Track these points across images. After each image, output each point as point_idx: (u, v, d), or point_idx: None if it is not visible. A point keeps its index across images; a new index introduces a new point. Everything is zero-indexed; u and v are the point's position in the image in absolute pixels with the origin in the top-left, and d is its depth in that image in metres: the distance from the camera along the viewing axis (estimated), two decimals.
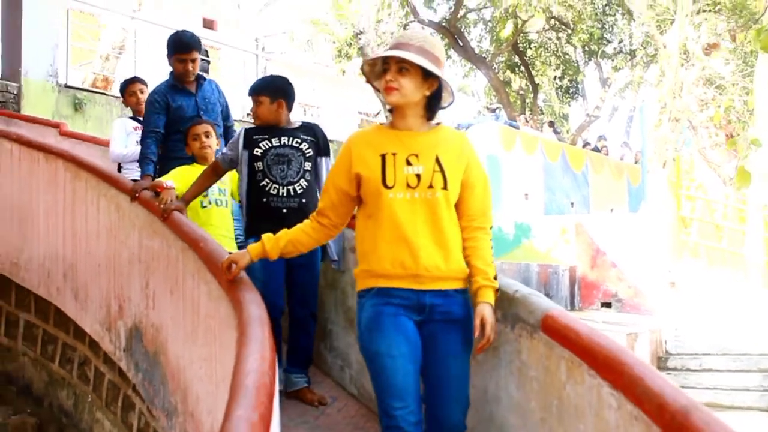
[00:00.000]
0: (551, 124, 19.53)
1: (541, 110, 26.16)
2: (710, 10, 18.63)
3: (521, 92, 24.34)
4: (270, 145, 4.53)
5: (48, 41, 9.64)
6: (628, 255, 12.52)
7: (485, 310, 3.13)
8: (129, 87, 6.95)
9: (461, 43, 20.80)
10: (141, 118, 6.43)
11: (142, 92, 6.83)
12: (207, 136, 5.32)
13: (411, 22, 21.40)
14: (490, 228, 3.34)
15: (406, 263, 3.11)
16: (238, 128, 5.18)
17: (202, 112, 5.62)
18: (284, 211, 4.45)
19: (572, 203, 16.00)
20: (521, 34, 20.69)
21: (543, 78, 23.34)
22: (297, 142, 4.57)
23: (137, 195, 5.03)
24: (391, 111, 3.30)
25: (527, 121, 17.94)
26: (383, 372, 3.09)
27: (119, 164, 6.81)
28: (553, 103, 27.56)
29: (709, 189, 16.69)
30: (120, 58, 16.06)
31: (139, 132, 6.21)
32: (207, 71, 15.56)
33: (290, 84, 4.90)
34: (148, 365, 4.97)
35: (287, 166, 4.53)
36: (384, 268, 3.14)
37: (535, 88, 22.68)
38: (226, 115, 5.90)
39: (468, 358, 3.21)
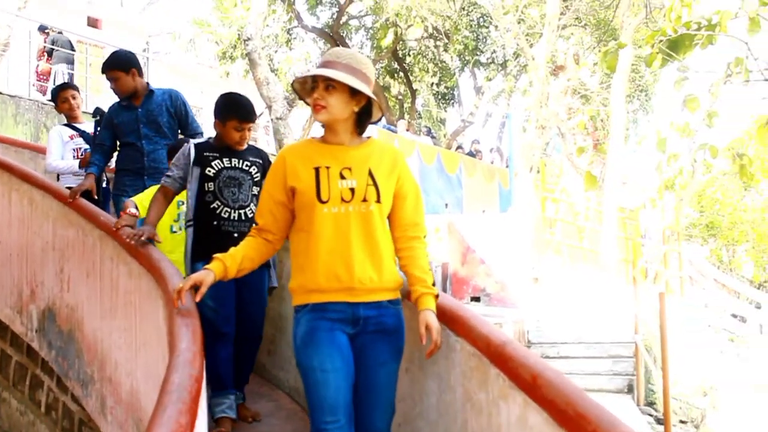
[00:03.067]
0: (428, 130, 20.51)
1: (419, 115, 27.18)
2: (576, 25, 19.93)
3: (400, 97, 25.26)
4: (222, 165, 4.40)
5: None
6: (496, 253, 13.17)
7: (429, 317, 3.19)
8: (60, 93, 6.82)
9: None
10: (76, 125, 6.70)
11: (74, 98, 6.77)
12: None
13: (294, 27, 22.06)
14: (424, 237, 3.41)
15: (341, 277, 3.14)
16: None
17: (141, 125, 5.73)
18: (235, 235, 4.25)
19: (446, 204, 16.69)
20: (400, 42, 21.55)
21: (421, 84, 24.18)
22: (247, 165, 4.47)
23: (72, 200, 5.29)
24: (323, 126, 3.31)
25: (408, 126, 18.80)
26: (316, 387, 3.13)
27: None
28: (431, 108, 28.61)
29: (573, 193, 17.91)
30: (4, 55, 16.10)
31: (77, 140, 6.56)
32: (72, 63, 15.66)
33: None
34: (62, 342, 5.51)
35: (238, 189, 4.42)
36: (318, 282, 3.16)
37: (413, 93, 23.60)
38: (184, 125, 5.89)
39: (396, 368, 3.28)
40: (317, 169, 3.19)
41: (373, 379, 3.21)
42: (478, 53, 21.45)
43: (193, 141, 4.60)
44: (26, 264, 6.05)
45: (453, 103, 25.65)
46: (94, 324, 5.04)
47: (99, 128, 5.99)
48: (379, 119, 3.45)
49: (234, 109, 4.52)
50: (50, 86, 14.02)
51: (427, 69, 22.91)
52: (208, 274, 3.26)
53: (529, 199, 14.64)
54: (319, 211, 3.15)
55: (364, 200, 3.17)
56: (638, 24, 14.92)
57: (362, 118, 3.26)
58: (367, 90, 3.17)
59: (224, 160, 4.42)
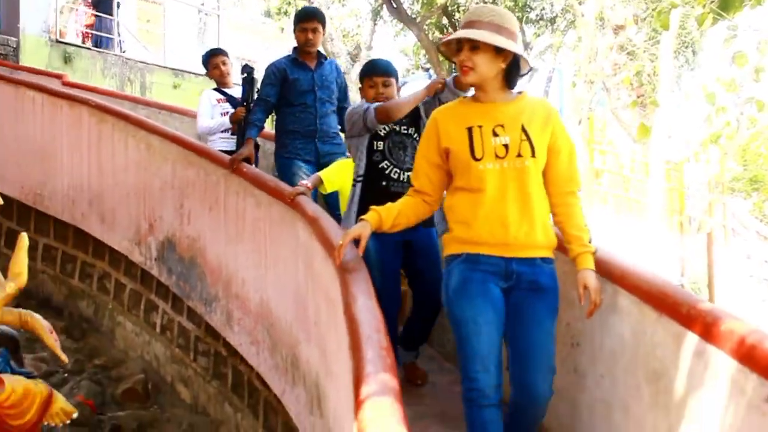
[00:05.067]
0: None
1: None
2: None
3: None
4: (390, 127, 4.38)
5: (45, 1, 10.76)
6: None
7: (587, 276, 3.12)
8: (211, 59, 6.83)
9: (395, 5, 22.03)
10: (226, 90, 6.72)
11: (224, 64, 6.78)
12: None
13: None
14: (579, 190, 3.32)
15: (496, 232, 3.13)
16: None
17: (317, 88, 5.69)
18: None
19: None
20: None
21: None
22: (412, 130, 4.44)
23: (235, 167, 5.43)
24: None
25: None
26: (468, 338, 3.11)
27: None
28: None
29: (618, 145, 18.42)
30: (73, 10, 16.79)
31: (224, 105, 6.58)
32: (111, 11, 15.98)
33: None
34: (183, 268, 6.32)
35: (404, 151, 4.40)
36: (473, 235, 3.16)
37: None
38: (342, 96, 5.94)
39: (552, 327, 3.18)
40: (470, 129, 3.18)
41: (529, 338, 3.14)
42: (528, 10, 21.91)
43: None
44: (144, 201, 6.84)
45: None
46: (218, 250, 5.83)
47: (247, 86, 6.01)
48: (528, 71, 3.30)
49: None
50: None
51: None
52: (365, 226, 3.30)
53: (579, 151, 15.16)
54: (475, 169, 3.14)
55: (519, 155, 3.13)
56: None
57: (511, 73, 3.20)
58: (513, 46, 3.13)
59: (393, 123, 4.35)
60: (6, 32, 10.12)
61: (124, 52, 13.69)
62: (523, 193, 3.13)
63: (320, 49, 5.92)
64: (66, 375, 6.99)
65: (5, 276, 4.04)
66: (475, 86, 3.24)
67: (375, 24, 24.91)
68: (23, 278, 3.98)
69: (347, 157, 5.08)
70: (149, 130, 6.79)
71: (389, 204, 3.40)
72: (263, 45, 26.25)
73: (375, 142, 4.36)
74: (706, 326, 2.49)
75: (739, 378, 2.33)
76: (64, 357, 4.25)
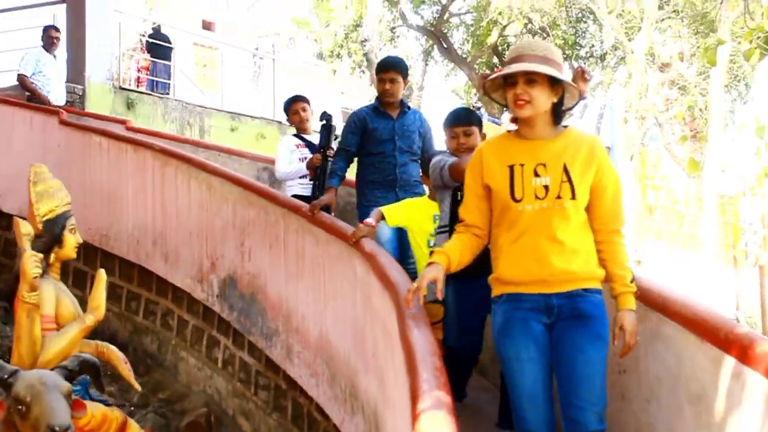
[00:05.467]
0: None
1: None
2: (674, 17, 20.38)
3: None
4: None
5: (106, 49, 11.23)
6: None
7: (625, 317, 3.13)
8: (292, 105, 6.91)
9: (445, 46, 22.37)
10: (304, 137, 6.79)
11: (304, 110, 6.84)
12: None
13: (398, 26, 23.03)
14: (623, 227, 3.31)
15: (533, 271, 3.14)
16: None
17: (397, 137, 5.64)
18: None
19: None
20: (500, 37, 22.30)
21: None
22: None
23: (313, 214, 5.37)
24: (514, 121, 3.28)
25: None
26: (513, 376, 3.15)
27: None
28: None
29: (672, 180, 18.42)
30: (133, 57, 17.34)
31: (302, 150, 6.63)
32: (169, 58, 16.43)
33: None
34: (243, 304, 6.57)
35: None
36: (512, 275, 3.18)
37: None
38: (428, 147, 5.84)
39: (597, 355, 3.13)
40: (512, 168, 3.18)
41: (570, 366, 3.11)
42: (578, 47, 22.10)
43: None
44: (206, 241, 7.12)
45: None
46: (278, 287, 6.06)
47: (325, 132, 6.15)
48: (574, 105, 3.29)
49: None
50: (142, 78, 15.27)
51: None
52: (439, 270, 3.26)
53: (631, 187, 15.24)
54: (514, 209, 3.16)
55: (558, 197, 3.12)
56: (736, 17, 15.43)
57: (559, 109, 3.22)
58: (568, 78, 3.18)
59: None
60: (73, 80, 10.58)
61: (167, 94, 14.15)
62: (561, 233, 3.12)
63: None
64: (132, 408, 7.23)
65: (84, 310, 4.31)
66: (522, 120, 3.22)
67: (426, 65, 25.30)
68: (101, 311, 4.24)
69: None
70: (211, 172, 7.08)
71: (449, 243, 3.40)
72: (316, 87, 26.78)
73: (459, 193, 4.12)
74: (742, 349, 2.65)
75: None
76: (137, 386, 4.49)
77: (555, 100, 3.16)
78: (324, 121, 6.26)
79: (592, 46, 22.64)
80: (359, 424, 4.67)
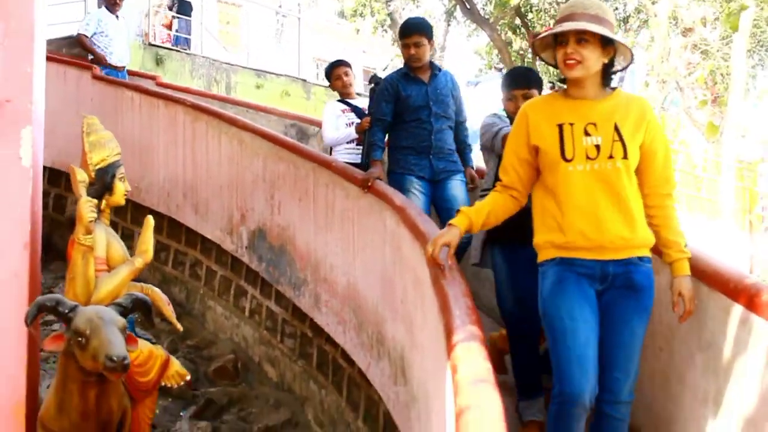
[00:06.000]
0: (552, 85, 21.35)
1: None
2: None
3: (521, 53, 26.03)
4: None
5: (136, 5, 11.43)
6: None
7: (683, 283, 3.12)
8: (333, 71, 6.83)
9: (468, 6, 22.36)
10: (349, 101, 6.71)
11: (346, 75, 6.76)
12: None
13: None
14: (673, 192, 3.26)
15: (590, 235, 3.06)
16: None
17: (431, 103, 5.50)
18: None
19: None
20: None
21: None
22: None
23: (369, 185, 5.18)
24: (563, 81, 3.22)
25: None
26: (564, 336, 3.05)
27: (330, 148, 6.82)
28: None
29: (691, 144, 18.54)
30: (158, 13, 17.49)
31: (348, 114, 6.58)
32: (190, 14, 16.09)
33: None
34: (272, 255, 6.81)
35: None
36: (567, 240, 3.11)
37: (535, 49, 24.36)
38: (458, 110, 5.72)
39: (640, 329, 3.14)
40: (561, 126, 3.12)
41: (615, 337, 3.09)
42: None
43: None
44: (236, 194, 7.35)
45: None
46: (307, 238, 6.29)
47: (374, 95, 5.88)
48: (627, 66, 3.28)
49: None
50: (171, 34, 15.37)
51: (549, 24, 23.60)
52: (454, 233, 3.25)
53: None
54: (564, 170, 3.09)
55: (611, 157, 3.06)
56: None
57: (608, 70, 3.17)
58: (623, 40, 3.11)
59: None
60: None
61: (187, 50, 14.26)
62: (615, 195, 3.06)
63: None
64: None
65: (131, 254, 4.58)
66: (571, 80, 3.15)
67: (448, 25, 25.31)
68: (149, 255, 4.48)
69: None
70: (241, 127, 7.29)
71: (478, 204, 3.37)
72: (339, 46, 26.87)
73: None
74: (750, 298, 2.86)
75: None
76: (179, 326, 4.75)
77: (606, 60, 3.11)
78: (373, 85, 6.11)
79: (616, 9, 22.59)
80: (385, 368, 4.92)
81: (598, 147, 3.07)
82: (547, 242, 3.19)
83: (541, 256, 3.24)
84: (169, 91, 9.12)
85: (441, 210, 5.49)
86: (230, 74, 13.12)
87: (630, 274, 3.11)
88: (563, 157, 3.09)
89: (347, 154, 6.48)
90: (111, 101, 9.03)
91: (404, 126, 5.53)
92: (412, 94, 5.49)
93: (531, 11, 23.50)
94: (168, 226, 8.62)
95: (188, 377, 4.56)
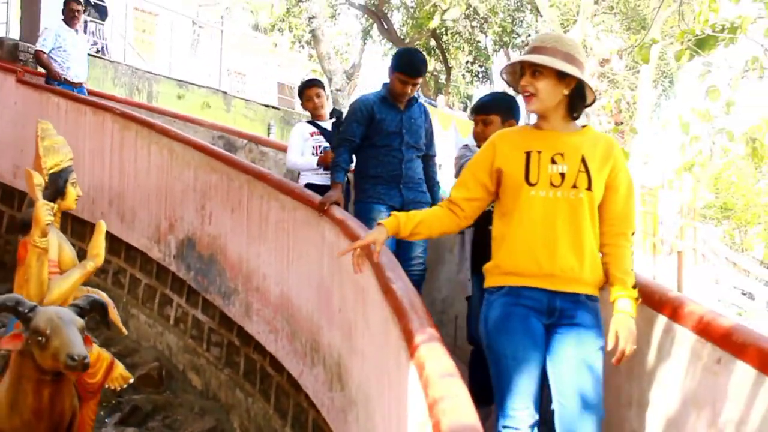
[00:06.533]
0: (465, 106, 21.94)
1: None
2: (608, 13, 21.17)
3: (435, 73, 26.58)
4: None
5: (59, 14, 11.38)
6: None
7: (621, 321, 3.07)
8: (305, 91, 6.69)
9: (386, 26, 22.77)
10: (319, 123, 6.54)
11: (318, 96, 6.60)
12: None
13: (340, 3, 23.36)
14: (632, 234, 3.24)
15: (542, 261, 3.05)
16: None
17: (404, 130, 5.36)
18: None
19: None
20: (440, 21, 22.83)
21: (454, 62, 25.49)
22: None
23: (325, 209, 5.05)
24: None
25: (449, 103, 20.24)
26: (506, 374, 3.03)
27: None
28: (459, 85, 29.92)
29: None
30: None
31: (317, 137, 6.41)
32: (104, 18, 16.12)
33: (517, 102, 4.57)
34: (202, 264, 6.91)
35: None
36: (517, 265, 3.10)
37: (449, 70, 24.91)
38: (429, 143, 5.62)
39: (597, 367, 3.09)
40: (528, 153, 3.13)
41: (568, 378, 3.06)
42: (515, 36, 22.79)
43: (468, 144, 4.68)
44: (165, 203, 7.42)
45: (486, 81, 26.90)
46: (239, 248, 6.42)
47: (335, 129, 5.97)
48: (592, 103, 3.23)
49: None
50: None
51: (463, 48, 24.18)
52: (381, 232, 3.24)
53: None
54: (526, 194, 3.10)
55: (574, 186, 3.06)
56: (667, 16, 16.21)
57: (575, 103, 3.17)
58: (574, 71, 3.06)
59: None
60: (27, 39, 10.67)
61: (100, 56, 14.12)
62: (573, 226, 3.07)
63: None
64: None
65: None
66: (537, 114, 3.20)
67: (364, 43, 25.69)
68: (100, 258, 4.57)
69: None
70: (173, 137, 7.39)
71: (412, 212, 3.36)
72: (256, 59, 26.96)
73: None
74: (673, 309, 3.16)
75: (697, 347, 3.00)
76: (124, 329, 4.84)
77: (566, 92, 3.11)
78: (334, 119, 6.29)
79: (529, 35, 23.34)
80: (319, 375, 5.09)
81: (563, 175, 3.07)
82: (495, 267, 3.19)
83: (488, 282, 3.23)
84: (95, 99, 9.14)
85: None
86: (152, 83, 13.12)
87: (577, 311, 3.09)
88: (527, 180, 3.10)
89: (314, 176, 6.29)
90: (35, 105, 8.98)
91: (374, 152, 5.37)
92: (386, 118, 5.34)
93: (446, 34, 24.03)
94: (90, 233, 8.57)
95: (131, 380, 4.66)
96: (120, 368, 4.59)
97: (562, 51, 3.08)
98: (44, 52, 9.41)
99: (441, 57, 24.64)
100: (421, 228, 3.29)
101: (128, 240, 7.93)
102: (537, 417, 3.02)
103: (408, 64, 5.26)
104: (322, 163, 6.12)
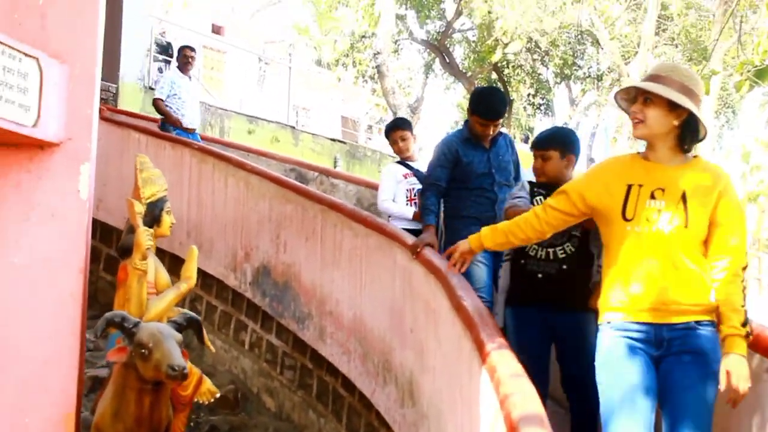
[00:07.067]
0: (526, 138, 22.16)
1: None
2: (668, 44, 21.30)
3: None
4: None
5: (140, 50, 11.96)
6: None
7: (730, 361, 2.95)
8: (390, 134, 6.50)
9: (447, 60, 23.15)
10: (410, 164, 6.33)
11: (403, 139, 6.35)
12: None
13: (403, 39, 23.83)
14: (743, 268, 3.12)
15: (641, 298, 3.04)
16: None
17: (494, 170, 5.23)
18: (539, 276, 4.05)
19: None
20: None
21: (515, 94, 25.79)
22: None
23: (419, 251, 4.85)
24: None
25: (511, 135, 20.48)
26: (613, 410, 3.04)
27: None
28: (520, 117, 30.18)
29: None
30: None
31: (411, 179, 6.21)
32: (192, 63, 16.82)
33: (576, 137, 4.55)
34: (277, 291, 7.26)
35: None
36: (620, 301, 3.09)
37: (510, 103, 25.18)
38: (517, 175, 5.48)
39: (708, 393, 3.01)
40: (629, 187, 3.12)
41: (679, 405, 3.00)
42: (576, 68, 23.02)
43: (525, 178, 4.64)
44: (241, 233, 7.81)
45: (547, 112, 27.11)
46: (313, 275, 6.75)
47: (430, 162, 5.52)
48: (704, 137, 3.18)
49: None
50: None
51: (524, 81, 24.45)
52: (464, 243, 3.60)
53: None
54: (621, 229, 3.11)
55: (670, 223, 3.04)
56: (729, 47, 16.32)
57: (686, 135, 3.13)
58: (686, 102, 3.04)
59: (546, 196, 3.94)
60: (107, 79, 11.25)
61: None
62: (670, 260, 3.03)
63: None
64: None
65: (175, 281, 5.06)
66: (647, 143, 3.19)
67: (426, 77, 26.12)
68: (193, 281, 4.96)
69: None
70: (249, 170, 7.78)
71: (499, 224, 3.55)
72: (319, 94, 27.54)
73: None
74: None
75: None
76: (212, 347, 5.21)
77: (675, 123, 3.09)
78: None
79: (590, 67, 23.61)
80: (391, 393, 5.38)
81: (659, 211, 3.06)
82: (604, 300, 3.20)
83: (600, 317, 3.24)
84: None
85: None
86: (224, 119, 13.62)
87: (687, 338, 3.03)
88: (624, 216, 3.11)
89: (407, 222, 6.04)
90: (116, 141, 9.47)
91: (466, 194, 5.22)
92: (473, 160, 5.20)
93: (508, 67, 24.34)
94: (169, 262, 9.03)
95: (218, 394, 5.01)
96: (208, 383, 4.95)
97: (677, 81, 3.08)
98: (162, 100, 9.75)
99: (503, 89, 24.94)
100: (502, 239, 3.48)
101: (205, 268, 8.29)
102: None
103: (486, 107, 5.15)
104: (417, 219, 5.79)
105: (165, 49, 16.29)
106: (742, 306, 3.04)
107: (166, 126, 9.72)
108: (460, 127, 5.59)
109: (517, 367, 2.76)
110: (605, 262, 3.22)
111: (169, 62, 15.98)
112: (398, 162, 6.44)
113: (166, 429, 4.35)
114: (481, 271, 4.95)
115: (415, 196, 6.10)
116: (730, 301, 3.02)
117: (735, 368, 2.92)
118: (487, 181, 5.20)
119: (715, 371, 3.00)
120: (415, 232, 5.44)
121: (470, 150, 5.21)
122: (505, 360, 2.82)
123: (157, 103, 9.84)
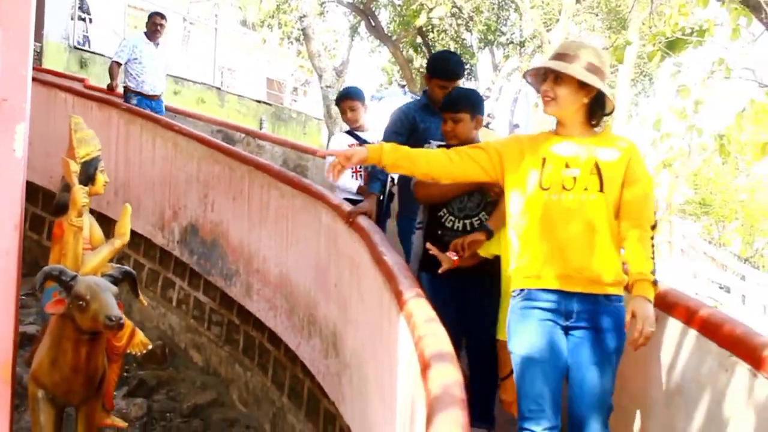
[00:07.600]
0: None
1: None
2: (589, 12, 21.80)
3: (421, 70, 27.09)
4: None
5: (64, 9, 11.88)
6: None
7: (636, 303, 3.01)
8: (341, 104, 6.26)
9: (373, 23, 23.23)
10: (359, 134, 6.14)
11: (351, 110, 6.11)
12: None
13: (330, 1, 23.84)
14: (652, 227, 3.21)
15: (556, 264, 3.10)
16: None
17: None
18: None
19: None
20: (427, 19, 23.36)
21: None
22: None
23: (351, 221, 4.85)
24: None
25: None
26: (522, 375, 3.12)
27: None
28: None
29: None
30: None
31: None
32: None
33: (481, 97, 4.54)
34: (204, 249, 7.46)
35: (468, 197, 4.17)
36: (533, 268, 3.15)
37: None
38: None
39: (611, 368, 3.13)
40: (544, 159, 3.19)
41: (583, 378, 3.11)
42: (499, 34, 23.38)
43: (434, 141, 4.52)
44: (169, 192, 7.95)
45: (470, 78, 27.45)
46: (240, 234, 6.96)
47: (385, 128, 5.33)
48: (611, 111, 3.27)
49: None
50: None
51: (449, 45, 24.71)
52: (371, 199, 4.04)
53: None
54: (539, 198, 3.15)
55: (585, 189, 3.10)
56: (645, 18, 16.83)
57: (595, 111, 3.22)
58: (594, 81, 3.12)
59: None
60: None
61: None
62: (586, 227, 3.09)
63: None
64: None
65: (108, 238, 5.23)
66: (557, 117, 3.26)
67: (352, 40, 26.18)
68: (126, 237, 5.14)
69: None
70: (177, 131, 7.91)
71: (406, 147, 3.45)
72: (244, 55, 27.43)
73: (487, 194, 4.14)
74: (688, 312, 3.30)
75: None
76: (144, 301, 5.41)
77: (585, 100, 3.18)
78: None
79: (513, 33, 23.96)
80: (315, 345, 5.66)
81: (575, 179, 3.12)
82: (515, 270, 3.26)
83: (512, 285, 3.30)
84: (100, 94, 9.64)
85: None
86: None
87: (595, 315, 3.11)
88: (541, 186, 3.16)
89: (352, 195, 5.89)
90: (42, 100, 9.43)
91: None
92: (431, 126, 5.03)
93: (432, 31, 24.54)
94: (98, 221, 9.11)
95: (150, 346, 5.23)
96: (140, 335, 5.16)
97: (585, 59, 3.14)
98: (119, 64, 9.73)
99: (427, 54, 25.17)
100: (403, 162, 3.39)
101: (133, 227, 8.26)
102: (555, 422, 3.09)
103: (444, 68, 5.09)
104: (362, 192, 5.69)
105: (82, 7, 16.09)
106: (651, 257, 3.14)
107: (129, 94, 9.69)
108: (386, 89, 5.67)
109: (431, 313, 3.05)
110: (517, 233, 3.25)
111: (84, 20, 15.81)
112: (347, 132, 6.29)
113: (101, 378, 4.57)
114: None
115: (360, 168, 5.93)
116: (638, 252, 3.09)
117: (641, 311, 2.99)
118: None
119: (615, 347, 3.12)
120: (358, 203, 5.30)
121: (428, 116, 5.10)
122: (420, 307, 3.11)
123: (111, 66, 9.81)
